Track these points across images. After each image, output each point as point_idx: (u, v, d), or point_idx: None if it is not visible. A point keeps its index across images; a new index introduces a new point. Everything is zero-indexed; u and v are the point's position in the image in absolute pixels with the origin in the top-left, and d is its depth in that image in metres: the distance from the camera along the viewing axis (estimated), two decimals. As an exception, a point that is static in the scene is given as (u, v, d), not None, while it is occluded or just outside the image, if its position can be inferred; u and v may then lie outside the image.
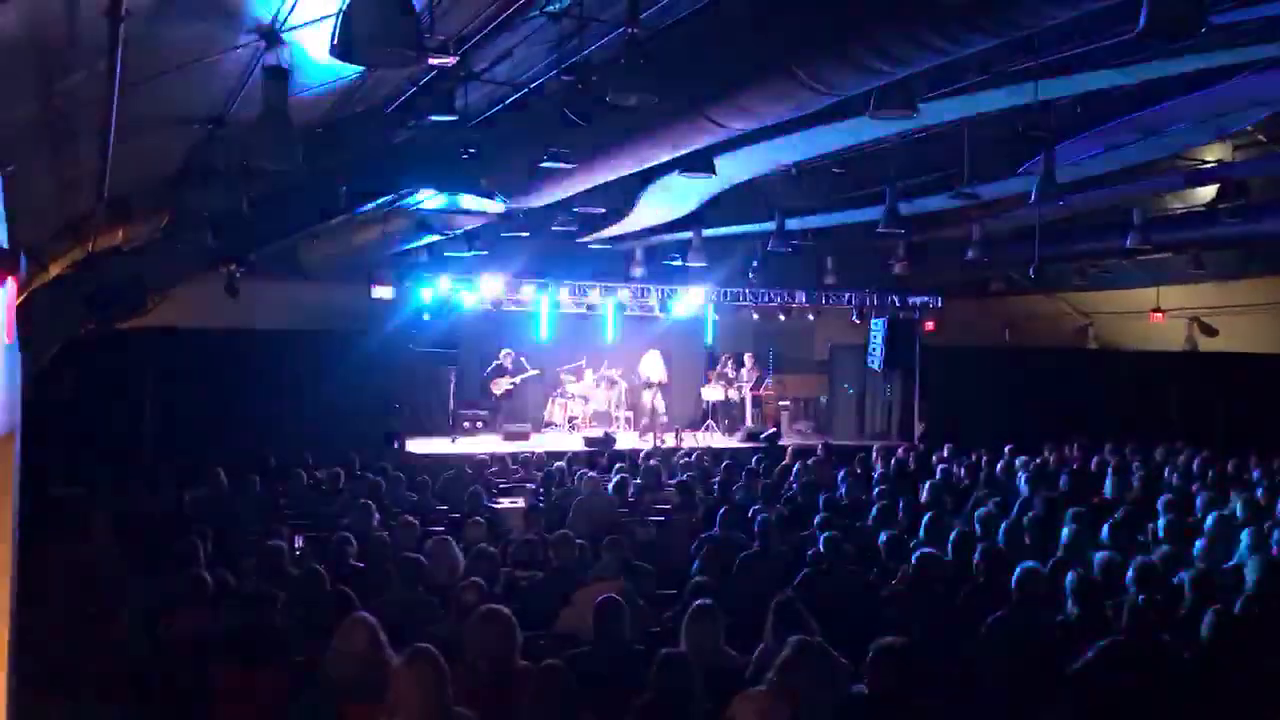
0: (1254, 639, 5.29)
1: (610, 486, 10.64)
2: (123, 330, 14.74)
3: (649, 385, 18.83)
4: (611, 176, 9.45)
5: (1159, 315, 18.82)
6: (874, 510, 8.92)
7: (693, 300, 18.35)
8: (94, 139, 6.19)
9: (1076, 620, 5.78)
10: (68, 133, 6.28)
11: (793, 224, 13.88)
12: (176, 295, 15.02)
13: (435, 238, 14.20)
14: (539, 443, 16.79)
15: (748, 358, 19.77)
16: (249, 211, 10.41)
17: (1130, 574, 6.17)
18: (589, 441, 16.24)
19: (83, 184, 7.69)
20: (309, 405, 14.83)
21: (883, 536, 7.60)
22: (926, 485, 10.30)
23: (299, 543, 8.41)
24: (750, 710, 4.48)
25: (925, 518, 8.02)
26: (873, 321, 19.35)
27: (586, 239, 15.75)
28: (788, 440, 17.96)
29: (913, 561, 6.63)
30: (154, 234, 11.15)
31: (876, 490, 10.22)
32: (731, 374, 19.51)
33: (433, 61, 6.69)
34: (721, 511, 8.63)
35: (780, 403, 20.17)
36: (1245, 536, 7.32)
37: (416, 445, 16.08)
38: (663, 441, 16.90)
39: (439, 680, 4.15)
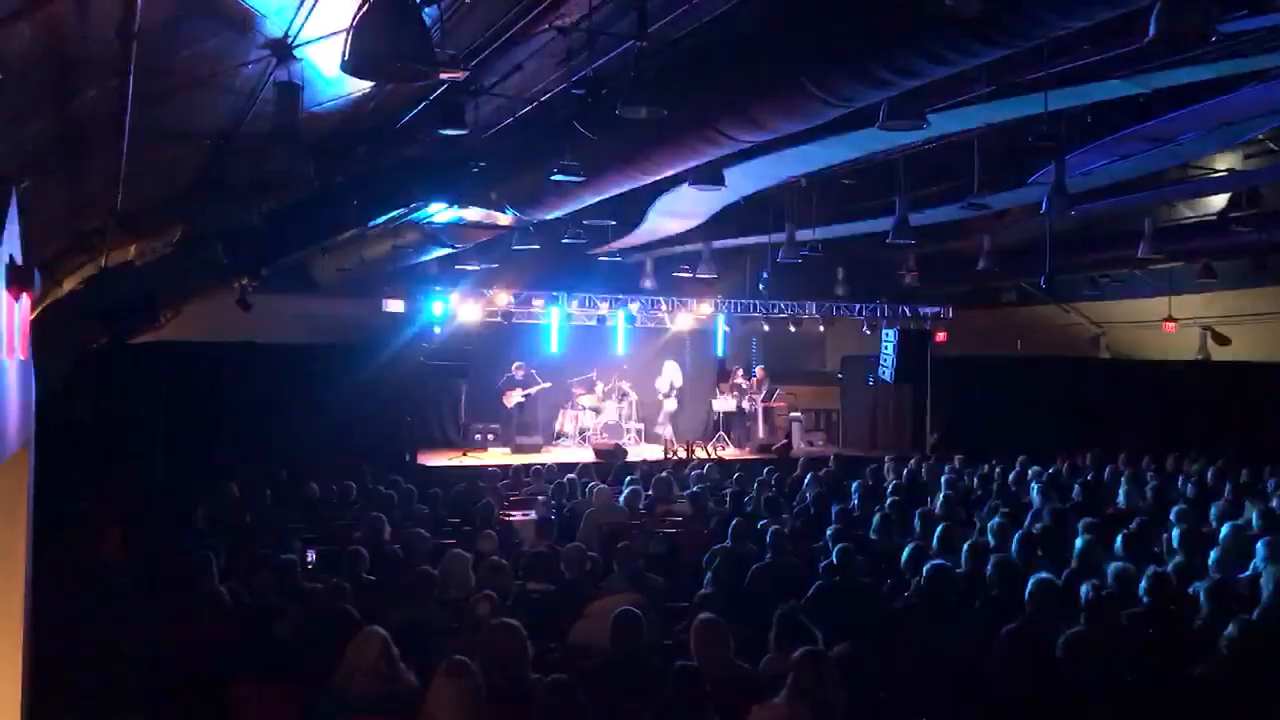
0: (1270, 650, 5.25)
1: (621, 498, 10.63)
2: (136, 345, 14.81)
3: (669, 395, 19.02)
4: (621, 189, 9.47)
5: (1171, 324, 18.77)
6: (875, 520, 8.88)
7: (703, 312, 18.37)
8: (107, 155, 6.23)
9: (1090, 631, 5.75)
10: (81, 149, 6.32)
11: (803, 235, 13.89)
12: (189, 310, 15.08)
13: (446, 251, 14.24)
14: (550, 455, 16.81)
15: (758, 369, 19.79)
16: (261, 226, 10.46)
17: (1143, 584, 6.16)
18: (600, 453, 16.24)
19: (96, 199, 7.74)
20: (321, 419, 14.85)
21: (906, 551, 7.54)
22: (940, 497, 10.26)
23: (311, 556, 8.41)
24: None
25: (938, 529, 7.99)
26: (884, 332, 19.32)
27: (596, 251, 15.79)
28: (799, 452, 17.95)
29: (925, 573, 6.60)
30: (167, 249, 11.20)
31: (889, 501, 10.17)
32: (743, 385, 19.53)
33: (443, 76, 6.72)
34: (733, 523, 8.61)
35: (791, 414, 20.16)
36: (1260, 547, 7.28)
37: (428, 458, 16.10)
38: (675, 453, 16.88)
39: (476, 693, 4.15)
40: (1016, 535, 7.77)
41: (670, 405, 19.57)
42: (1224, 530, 7.98)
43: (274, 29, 5.43)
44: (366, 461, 12.70)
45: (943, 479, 12.26)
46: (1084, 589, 5.97)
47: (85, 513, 9.88)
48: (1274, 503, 9.77)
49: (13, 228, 3.99)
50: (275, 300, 15.72)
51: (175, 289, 13.81)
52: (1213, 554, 7.41)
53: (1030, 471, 12.36)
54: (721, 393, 19.85)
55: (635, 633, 5.32)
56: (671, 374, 19.66)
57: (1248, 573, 7.09)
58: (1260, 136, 10.70)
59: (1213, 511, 9.18)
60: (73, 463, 12.35)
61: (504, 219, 11.66)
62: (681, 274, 17.16)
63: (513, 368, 18.05)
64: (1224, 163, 12.20)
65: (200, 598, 6.29)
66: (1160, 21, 4.94)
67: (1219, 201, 13.63)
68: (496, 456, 16.52)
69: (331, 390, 15.17)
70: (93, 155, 6.52)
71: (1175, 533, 8.15)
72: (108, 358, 14.78)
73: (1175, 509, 9.09)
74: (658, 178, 9.03)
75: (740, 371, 19.84)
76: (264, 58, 5.78)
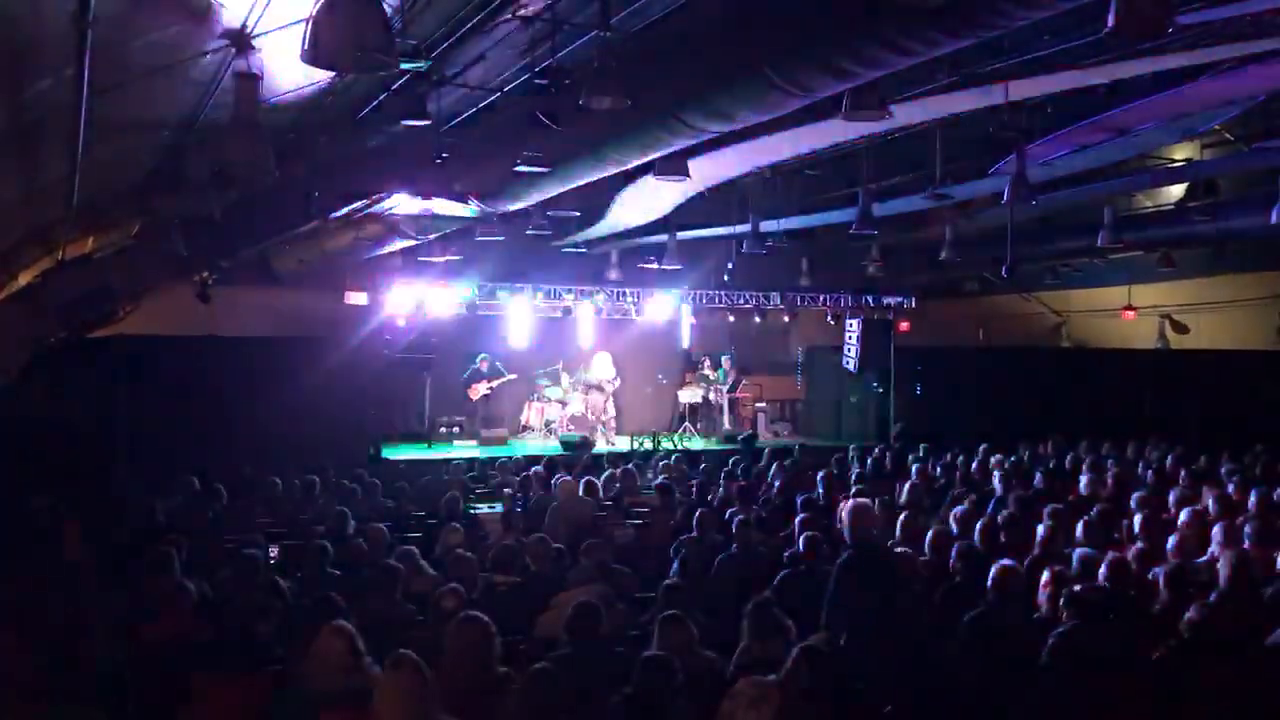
0: (1227, 633, 5.34)
1: (588, 490, 10.63)
2: (94, 339, 14.63)
3: (599, 388, 18.85)
4: (586, 180, 9.45)
5: (1131, 313, 18.99)
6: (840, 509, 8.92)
7: (668, 303, 18.37)
8: (62, 146, 6.14)
9: (1052, 617, 5.82)
10: (36, 140, 6.23)
11: (767, 226, 13.91)
12: (148, 303, 14.90)
13: (409, 242, 14.15)
14: (516, 447, 16.77)
15: (724, 360, 19.82)
16: (220, 218, 10.35)
17: (1103, 570, 6.24)
18: (566, 445, 16.22)
19: (51, 192, 7.63)
20: (283, 412, 14.73)
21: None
22: (906, 486, 10.32)
23: (274, 551, 8.35)
24: (749, 690, 4.51)
25: (902, 517, 8.05)
26: (848, 322, 19.44)
27: (562, 242, 15.75)
28: (764, 442, 18.01)
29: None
30: (124, 242, 11.07)
31: (854, 490, 10.23)
32: (710, 376, 19.56)
33: (404, 66, 6.67)
34: (699, 513, 8.63)
35: (757, 404, 20.23)
36: (1217, 532, 7.38)
37: (393, 451, 16.02)
38: (641, 445, 16.90)
39: (422, 686, 4.14)
40: (979, 523, 7.85)
41: (599, 398, 19.11)
42: (1182, 516, 8.09)
43: (232, 19, 5.36)
44: (329, 455, 12.62)
45: (907, 468, 12.37)
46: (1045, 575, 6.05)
47: (44, 509, 9.76)
48: (1230, 488, 9.91)
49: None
50: (235, 293, 15.59)
51: (134, 282, 13.65)
52: (1171, 539, 7.51)
53: (993, 459, 12.47)
54: (688, 384, 19.88)
55: (591, 624, 5.33)
56: (603, 368, 19.40)
57: (1205, 557, 7.20)
58: (1217, 127, 10.82)
59: (1172, 497, 9.31)
60: (31, 458, 12.20)
61: (468, 210, 11.60)
62: (647, 265, 17.15)
63: (478, 360, 17.99)
64: (1182, 153, 12.35)
65: (162, 593, 6.23)
66: (1118, 13, 4.98)
67: (1177, 191, 13.79)
68: (461, 449, 16.47)
69: (294, 383, 15.04)
70: (48, 146, 6.42)
71: (1135, 519, 8.26)
72: (65, 352, 14.58)
73: (1135, 495, 9.21)
74: (622, 168, 9.02)
75: (707, 363, 19.85)
76: (222, 47, 5.71)
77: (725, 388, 19.42)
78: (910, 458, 13.38)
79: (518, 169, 8.69)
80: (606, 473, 11.93)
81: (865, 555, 6.04)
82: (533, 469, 12.14)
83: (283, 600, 6.04)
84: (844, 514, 6.30)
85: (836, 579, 5.93)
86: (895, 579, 6.21)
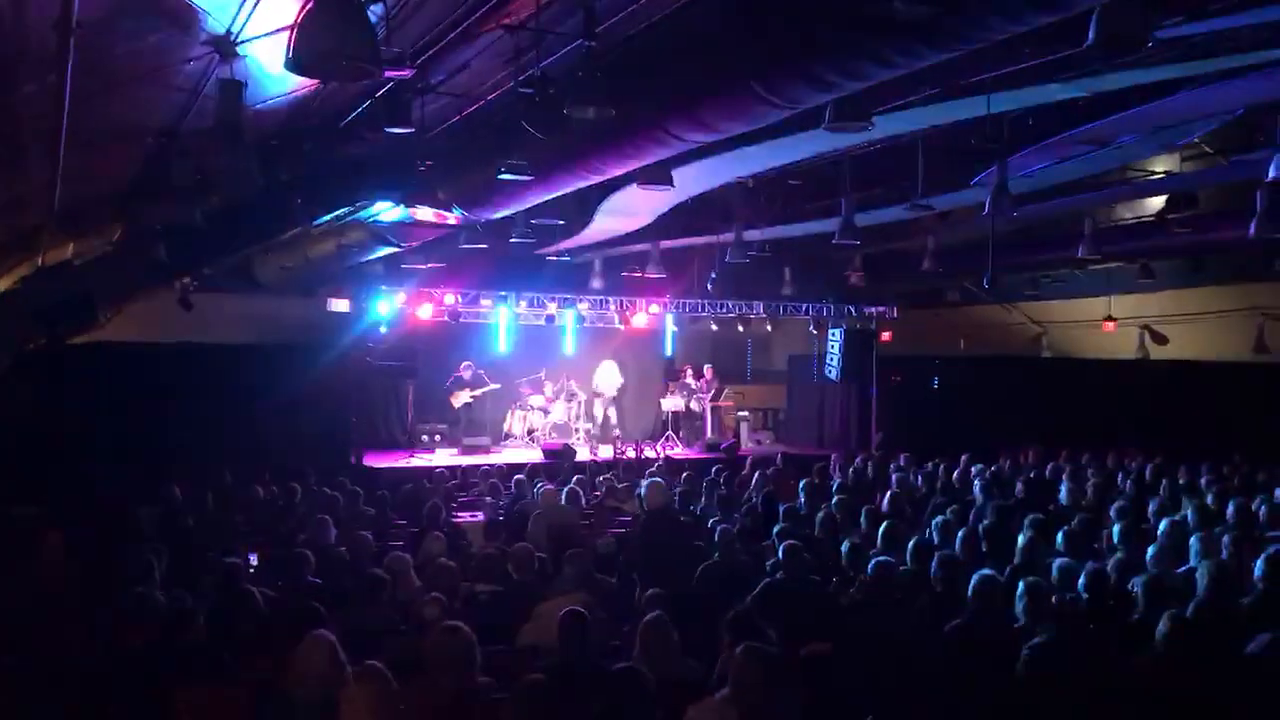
0: (1205, 643, 5.37)
1: (570, 499, 10.61)
2: (75, 345, 14.53)
3: (600, 395, 18.91)
4: (569, 188, 9.45)
5: (1111, 324, 19.08)
6: (819, 518, 8.94)
7: (651, 311, 18.39)
8: (44, 152, 6.12)
9: (1031, 627, 5.84)
10: (17, 146, 6.20)
11: (750, 235, 13.94)
12: (129, 309, 14.83)
13: (392, 250, 14.12)
14: (499, 455, 16.74)
15: (706, 368, 19.85)
16: (202, 225, 10.31)
17: (1082, 580, 6.27)
18: (548, 453, 16.21)
19: (32, 197, 7.60)
20: (265, 420, 14.67)
21: (844, 546, 7.64)
22: (887, 495, 10.35)
23: (253, 560, 8.32)
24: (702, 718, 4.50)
25: (883, 526, 8.08)
26: (830, 332, 19.49)
27: (545, 251, 15.74)
28: (747, 450, 18.04)
29: (870, 570, 6.67)
30: (106, 248, 11.00)
31: (835, 500, 10.25)
32: (692, 384, 19.58)
33: (389, 74, 6.66)
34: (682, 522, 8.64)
35: (739, 413, 20.26)
36: (1195, 542, 7.43)
37: (374, 459, 15.96)
38: (623, 453, 16.90)
39: (389, 697, 4.14)
40: (960, 533, 7.87)
41: (600, 407, 19.39)
42: (1161, 526, 8.14)
43: (216, 25, 5.35)
44: (311, 463, 12.57)
45: (891, 476, 12.41)
46: (1020, 585, 6.07)
47: (24, 517, 9.69)
48: (1209, 499, 9.97)
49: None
50: (218, 299, 15.51)
51: (115, 288, 13.58)
52: (1150, 550, 7.56)
53: (974, 469, 12.52)
54: (670, 392, 19.90)
55: (581, 633, 5.33)
56: (609, 376, 19.48)
57: (1184, 567, 7.24)
58: (1196, 140, 10.90)
59: (1151, 508, 9.36)
60: (11, 466, 12.11)
61: (451, 218, 11.57)
62: (630, 274, 17.16)
63: (460, 368, 17.95)
64: (1161, 165, 12.43)
65: (142, 603, 6.19)
66: (1099, 27, 5.02)
67: (1157, 203, 13.89)
68: (444, 458, 16.42)
69: (275, 391, 14.98)
70: (29, 152, 6.39)
71: (1115, 529, 8.31)
72: (46, 358, 14.49)
73: (1115, 505, 9.25)
74: (606, 177, 9.02)
75: (689, 371, 19.88)
76: (206, 54, 5.70)
77: (708, 396, 19.46)
78: (891, 467, 13.42)
79: (501, 177, 8.68)
80: (577, 479, 11.91)
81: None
82: (515, 477, 12.13)
83: (263, 609, 6.02)
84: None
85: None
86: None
